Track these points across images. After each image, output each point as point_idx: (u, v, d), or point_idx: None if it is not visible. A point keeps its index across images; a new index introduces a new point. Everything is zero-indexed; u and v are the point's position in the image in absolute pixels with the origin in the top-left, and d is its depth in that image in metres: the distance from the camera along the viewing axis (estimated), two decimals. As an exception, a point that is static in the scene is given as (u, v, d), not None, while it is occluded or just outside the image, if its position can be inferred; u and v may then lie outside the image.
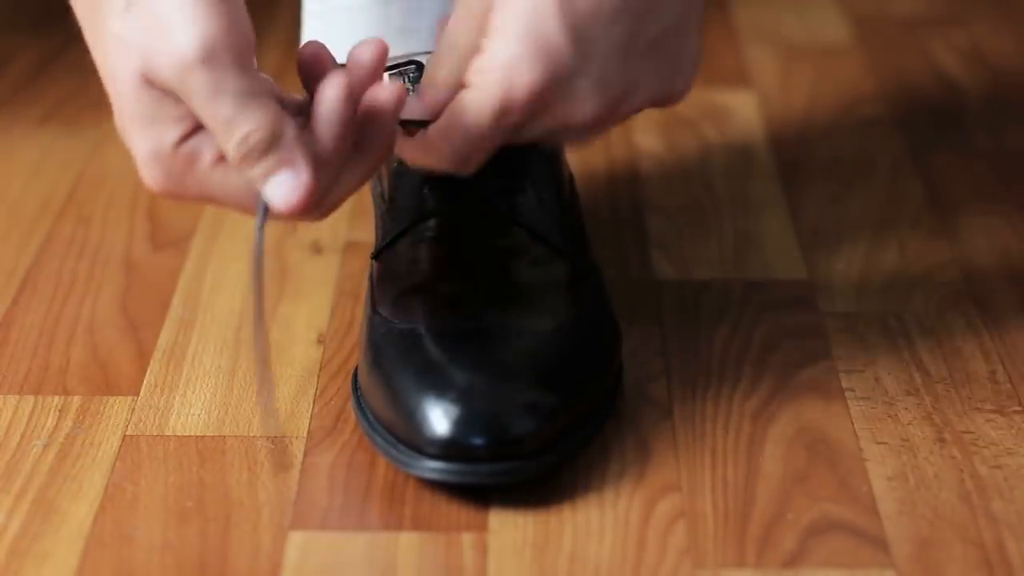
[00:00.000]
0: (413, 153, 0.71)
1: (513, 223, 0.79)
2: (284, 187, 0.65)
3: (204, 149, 0.66)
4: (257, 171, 0.65)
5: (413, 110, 0.70)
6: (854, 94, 1.13)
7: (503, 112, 0.68)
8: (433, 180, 0.79)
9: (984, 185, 1.00)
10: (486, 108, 0.68)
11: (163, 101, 0.66)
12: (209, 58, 0.64)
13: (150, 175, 0.68)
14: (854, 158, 1.04)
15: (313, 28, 0.84)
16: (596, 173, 1.00)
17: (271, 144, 0.65)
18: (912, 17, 1.26)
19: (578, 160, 0.91)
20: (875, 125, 1.09)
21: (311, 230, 0.95)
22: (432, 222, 0.79)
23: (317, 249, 0.93)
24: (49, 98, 1.12)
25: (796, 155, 1.04)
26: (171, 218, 0.96)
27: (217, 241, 0.94)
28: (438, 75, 0.69)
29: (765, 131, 1.07)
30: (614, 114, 0.70)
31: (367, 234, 0.92)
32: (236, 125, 0.64)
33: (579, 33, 0.68)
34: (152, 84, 0.65)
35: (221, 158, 0.66)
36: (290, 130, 0.65)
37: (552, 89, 0.68)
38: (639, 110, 0.71)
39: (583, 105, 0.69)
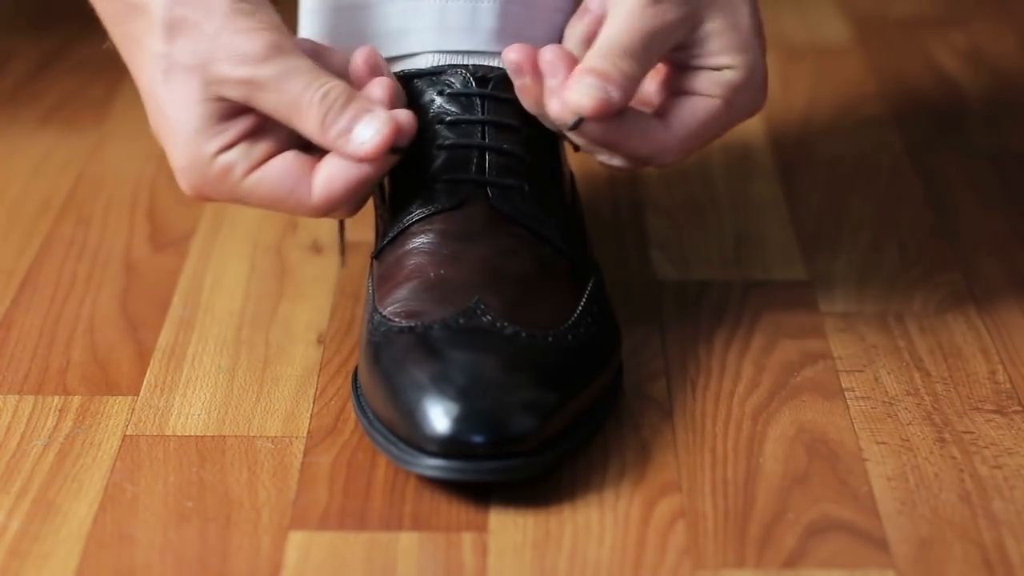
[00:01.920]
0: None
1: (513, 223, 0.79)
2: (372, 126, 0.73)
3: (240, 161, 0.74)
4: (344, 119, 0.73)
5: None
6: (854, 94, 1.13)
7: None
8: (433, 180, 0.79)
9: (984, 185, 1.00)
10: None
11: (211, 116, 0.74)
12: (275, 51, 0.73)
13: (187, 181, 0.75)
14: (854, 158, 1.04)
15: (310, 26, 0.84)
16: (596, 173, 1.00)
17: (349, 95, 0.73)
18: (912, 17, 1.26)
19: (578, 160, 0.90)
20: (875, 125, 1.09)
21: (311, 230, 0.95)
22: (432, 222, 0.79)
23: (317, 249, 0.93)
24: (49, 98, 1.12)
25: (796, 155, 1.04)
26: (171, 218, 0.96)
27: (217, 241, 0.94)
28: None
29: (765, 131, 1.07)
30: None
31: (367, 234, 0.92)
32: (314, 90, 0.73)
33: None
34: (211, 97, 0.73)
35: (252, 169, 0.74)
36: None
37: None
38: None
39: (761, 97, 0.79)
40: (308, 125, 0.74)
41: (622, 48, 0.75)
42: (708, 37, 0.77)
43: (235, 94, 0.73)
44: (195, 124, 0.74)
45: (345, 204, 0.76)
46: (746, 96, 0.78)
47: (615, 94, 0.74)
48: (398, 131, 0.74)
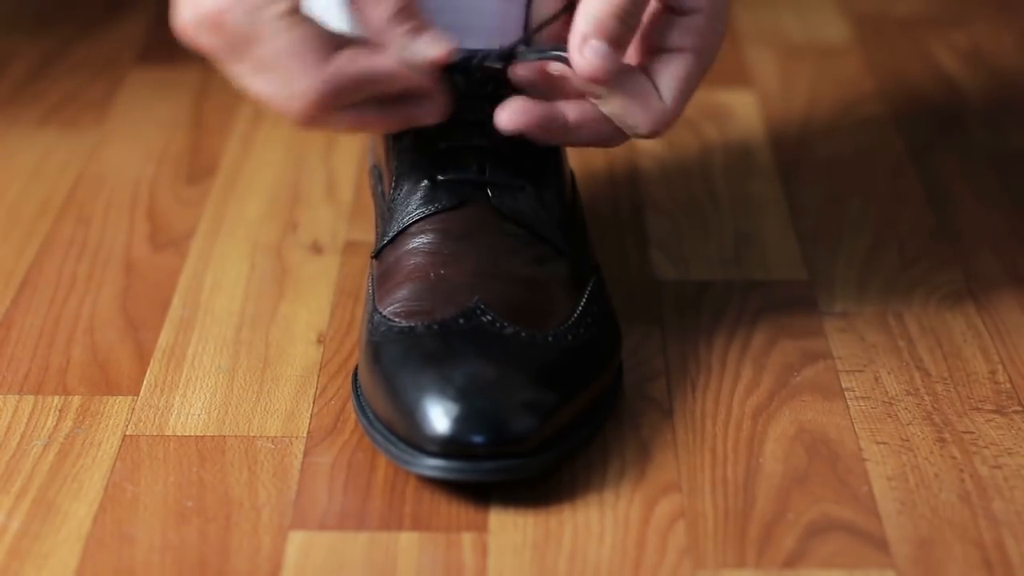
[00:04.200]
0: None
1: (513, 222, 0.79)
2: (436, 40, 0.74)
3: None
4: (413, 23, 0.73)
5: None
6: (854, 94, 1.13)
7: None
8: (433, 179, 0.79)
9: (984, 185, 1.00)
10: None
11: None
12: None
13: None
14: (854, 158, 1.04)
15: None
16: (596, 173, 1.00)
17: (419, 8, 0.74)
18: (912, 17, 1.26)
19: (578, 160, 0.91)
20: (875, 125, 1.09)
21: (311, 230, 0.95)
22: (432, 222, 0.79)
23: (317, 249, 0.93)
24: (49, 98, 1.12)
25: (796, 155, 1.04)
26: (171, 218, 0.96)
27: (217, 241, 0.94)
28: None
29: (765, 131, 1.07)
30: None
31: (367, 234, 0.92)
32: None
33: None
34: None
35: (295, 10, 0.72)
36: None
37: None
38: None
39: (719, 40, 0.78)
40: (377, 11, 0.73)
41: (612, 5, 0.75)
42: None
43: None
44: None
45: (342, 98, 0.74)
46: (714, 41, 0.77)
47: (620, 55, 0.75)
48: (451, 54, 0.74)
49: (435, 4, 0.77)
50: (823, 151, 1.05)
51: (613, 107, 0.75)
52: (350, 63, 0.72)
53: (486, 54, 0.77)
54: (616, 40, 0.74)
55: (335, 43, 0.73)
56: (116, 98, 1.11)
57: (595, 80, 0.75)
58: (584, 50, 0.74)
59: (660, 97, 0.76)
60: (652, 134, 0.77)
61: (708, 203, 0.98)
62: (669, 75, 0.76)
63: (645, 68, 0.77)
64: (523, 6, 0.81)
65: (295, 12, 0.72)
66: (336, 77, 0.72)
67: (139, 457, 0.75)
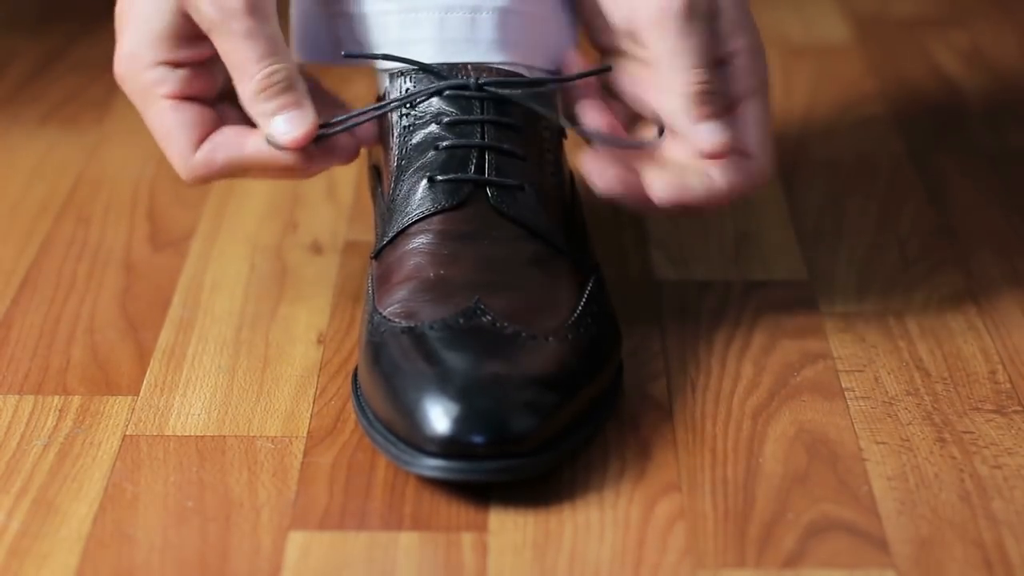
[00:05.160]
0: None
1: (513, 222, 0.79)
2: (293, 123, 0.78)
3: (170, 83, 0.78)
4: (273, 104, 0.78)
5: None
6: (854, 94, 1.13)
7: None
8: (432, 180, 0.79)
9: (984, 185, 1.00)
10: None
11: (174, 27, 0.77)
12: (253, 9, 0.77)
13: (119, 66, 0.79)
14: (854, 158, 1.04)
15: (303, 33, 0.84)
16: (596, 173, 1.00)
17: (290, 84, 0.78)
18: (912, 17, 1.26)
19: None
20: (875, 125, 1.09)
21: (311, 230, 0.95)
22: (432, 222, 0.79)
23: (317, 249, 0.93)
24: (49, 98, 1.12)
25: (796, 155, 1.04)
26: (171, 218, 0.96)
27: (217, 241, 0.94)
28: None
29: (765, 131, 1.07)
30: None
31: (367, 234, 0.92)
32: (266, 63, 0.77)
33: None
34: (182, 11, 0.77)
35: (175, 96, 0.79)
36: (302, 81, 0.78)
37: None
38: None
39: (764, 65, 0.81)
40: (245, 89, 0.78)
41: (696, 75, 0.78)
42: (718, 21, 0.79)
43: (203, 24, 0.77)
44: (156, 27, 0.78)
45: (215, 176, 0.80)
46: (764, 75, 0.80)
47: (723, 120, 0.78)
48: (309, 136, 0.78)
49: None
50: (823, 151, 1.05)
51: (716, 181, 0.79)
52: (217, 151, 0.79)
53: (351, 116, 0.80)
54: (717, 112, 0.78)
55: (212, 126, 0.79)
56: (116, 98, 1.11)
57: (721, 158, 0.78)
58: (700, 134, 0.78)
59: (749, 155, 0.79)
60: (751, 191, 0.80)
61: (708, 203, 0.98)
62: (747, 128, 0.79)
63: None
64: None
65: (179, 96, 0.79)
66: (204, 166, 0.79)
67: (139, 457, 0.75)
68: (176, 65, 0.78)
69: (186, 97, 0.79)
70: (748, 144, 0.79)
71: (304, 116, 0.78)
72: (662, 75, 0.79)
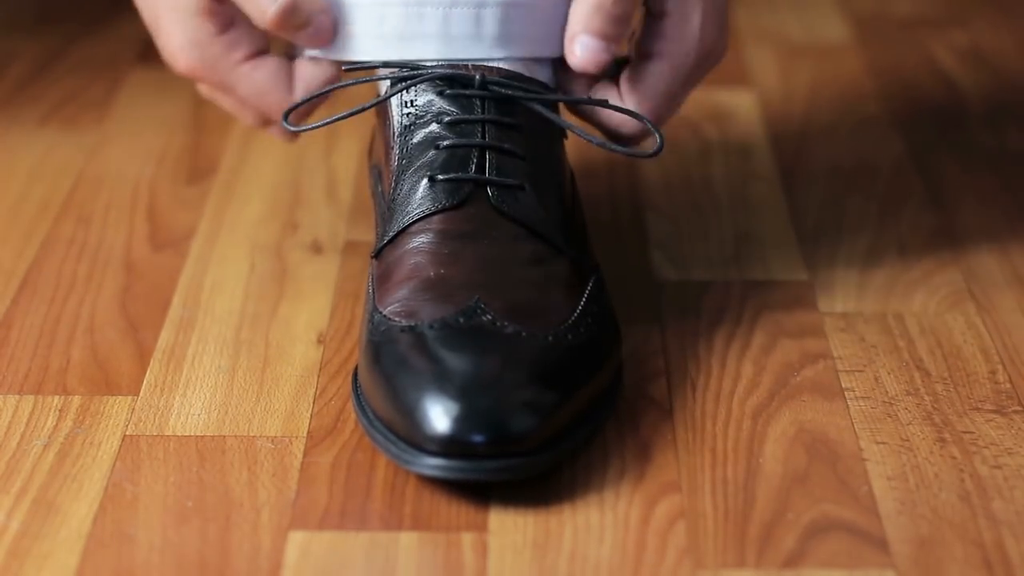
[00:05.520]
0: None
1: (513, 222, 0.79)
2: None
3: (243, 42, 0.82)
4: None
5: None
6: (854, 94, 1.13)
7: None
8: (433, 179, 0.80)
9: (984, 185, 1.01)
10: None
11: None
12: None
13: (185, 58, 0.82)
14: (854, 158, 1.04)
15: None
16: (596, 173, 1.00)
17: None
18: (912, 17, 1.26)
19: (578, 160, 0.91)
20: (875, 125, 1.09)
21: (311, 230, 0.95)
22: (432, 221, 0.79)
23: (317, 249, 0.93)
24: (49, 98, 1.12)
25: (796, 155, 1.04)
26: (171, 218, 0.96)
27: (217, 241, 0.94)
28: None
29: (765, 131, 1.07)
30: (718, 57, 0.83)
31: (367, 234, 0.92)
32: None
33: None
34: None
35: (252, 56, 0.82)
36: None
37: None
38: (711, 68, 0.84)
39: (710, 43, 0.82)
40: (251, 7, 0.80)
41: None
42: None
43: None
44: (192, 6, 0.81)
45: (315, 108, 0.84)
46: (685, 45, 0.81)
47: (610, 47, 0.80)
48: (293, 9, 0.79)
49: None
50: (823, 151, 1.05)
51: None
52: (311, 84, 0.83)
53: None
54: (604, 36, 0.79)
55: (289, 68, 0.83)
56: (116, 98, 1.11)
57: (586, 72, 0.80)
58: (574, 46, 0.79)
59: (632, 101, 0.82)
60: (630, 137, 0.83)
61: (708, 203, 0.98)
62: (636, 82, 0.82)
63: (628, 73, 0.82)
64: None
65: (252, 55, 0.82)
66: (307, 105, 0.84)
67: (139, 457, 0.75)
68: (231, 25, 0.82)
69: (256, 54, 0.82)
70: (634, 95, 0.82)
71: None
72: None
